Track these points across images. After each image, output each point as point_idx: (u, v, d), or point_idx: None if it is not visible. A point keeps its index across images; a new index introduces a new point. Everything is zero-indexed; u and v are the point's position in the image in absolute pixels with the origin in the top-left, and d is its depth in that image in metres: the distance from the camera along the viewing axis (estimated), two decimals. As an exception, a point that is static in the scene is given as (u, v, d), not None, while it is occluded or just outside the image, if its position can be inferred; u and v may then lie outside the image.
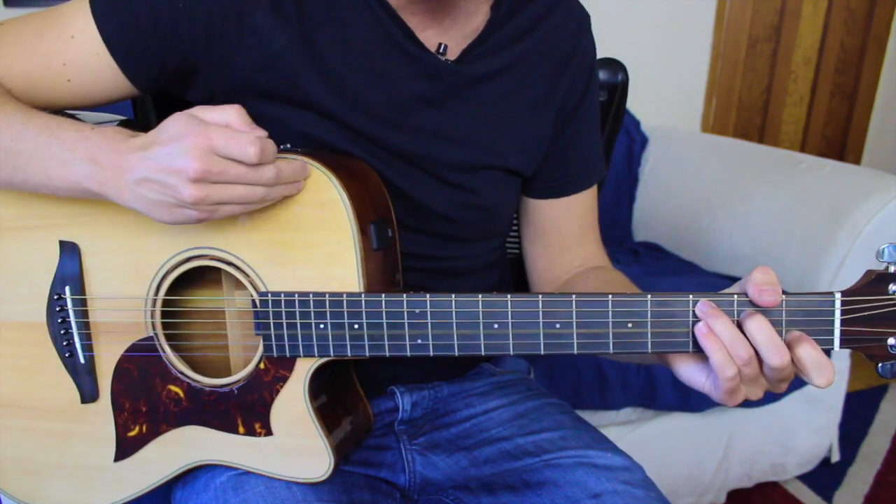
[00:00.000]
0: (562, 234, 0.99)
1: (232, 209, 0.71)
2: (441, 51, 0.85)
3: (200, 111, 0.69)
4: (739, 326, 0.68)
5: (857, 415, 2.22)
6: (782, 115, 3.02)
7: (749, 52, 2.83)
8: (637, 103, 1.53)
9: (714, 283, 1.86)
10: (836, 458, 1.97)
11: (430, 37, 0.85)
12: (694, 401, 1.67)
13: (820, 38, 2.96)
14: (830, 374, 0.68)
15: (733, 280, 1.92)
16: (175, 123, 0.68)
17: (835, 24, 2.95)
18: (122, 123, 0.89)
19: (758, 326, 0.67)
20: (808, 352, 0.67)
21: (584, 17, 0.94)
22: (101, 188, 0.72)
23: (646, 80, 1.71)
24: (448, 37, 0.85)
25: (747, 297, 0.69)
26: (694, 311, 0.70)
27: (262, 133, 0.69)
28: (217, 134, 0.67)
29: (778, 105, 2.99)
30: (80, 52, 0.79)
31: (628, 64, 1.14)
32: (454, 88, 0.86)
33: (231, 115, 0.69)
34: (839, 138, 3.18)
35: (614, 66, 1.13)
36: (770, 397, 1.75)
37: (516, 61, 0.88)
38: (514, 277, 1.10)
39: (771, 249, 1.85)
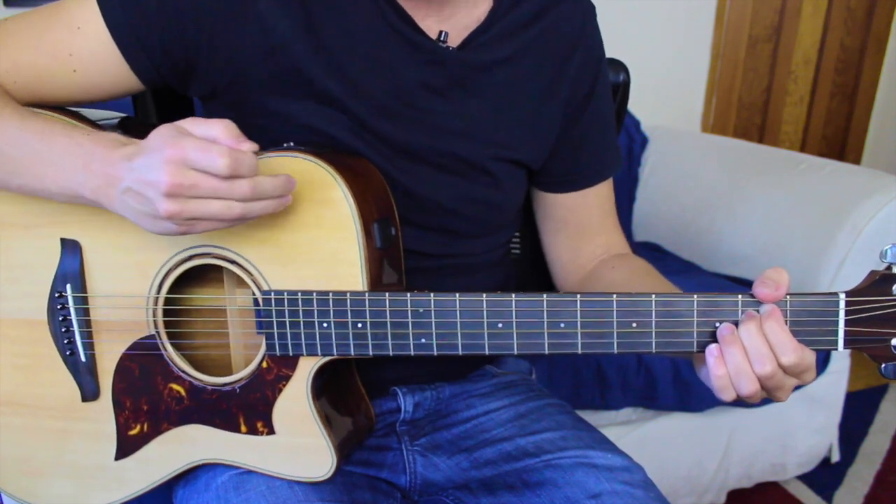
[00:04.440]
0: (582, 224, 1.00)
1: (210, 224, 0.69)
2: (442, 38, 0.84)
3: (189, 123, 0.68)
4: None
5: (857, 415, 2.22)
6: (782, 115, 3.02)
7: (749, 52, 2.83)
8: (637, 103, 1.53)
9: (714, 283, 1.86)
10: (836, 458, 1.97)
11: (430, 25, 0.85)
12: (694, 401, 1.67)
13: (820, 38, 2.96)
14: (769, 366, 0.68)
15: (733, 280, 1.92)
16: (157, 134, 0.67)
17: (835, 24, 2.95)
18: (123, 120, 0.89)
19: (751, 333, 0.68)
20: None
21: (589, 8, 0.94)
22: (94, 196, 0.72)
23: (646, 80, 1.71)
24: (449, 25, 0.85)
25: (752, 297, 0.69)
26: (714, 324, 0.70)
27: (250, 147, 0.67)
28: (191, 145, 0.65)
29: (778, 105, 2.99)
30: (85, 43, 0.79)
31: (628, 64, 1.14)
32: (457, 76, 0.85)
33: (218, 128, 0.67)
34: (839, 138, 3.18)
35: (616, 66, 1.13)
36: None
37: (520, 51, 0.88)
38: (518, 277, 1.10)
39: (771, 249, 1.85)
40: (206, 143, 0.66)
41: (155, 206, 0.67)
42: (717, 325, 0.70)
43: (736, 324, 0.70)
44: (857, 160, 3.24)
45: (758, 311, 0.70)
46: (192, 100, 1.10)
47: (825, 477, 1.96)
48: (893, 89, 3.14)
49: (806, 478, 1.95)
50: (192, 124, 0.68)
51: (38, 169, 0.75)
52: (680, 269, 1.98)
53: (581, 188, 0.97)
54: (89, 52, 0.80)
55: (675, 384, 1.64)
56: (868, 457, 2.07)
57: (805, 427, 1.85)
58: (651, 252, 2.15)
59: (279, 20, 0.79)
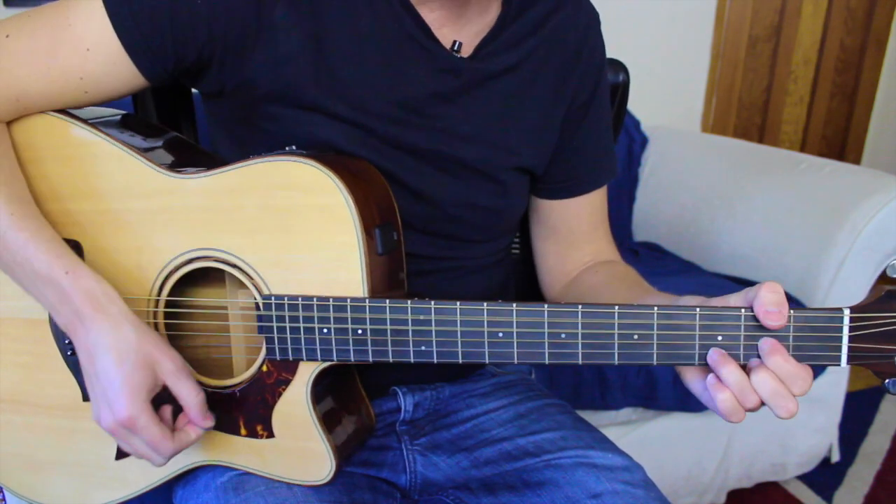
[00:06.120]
0: (573, 231, 1.00)
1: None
2: (456, 48, 0.84)
3: (174, 375, 0.75)
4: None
5: (857, 415, 2.22)
6: (782, 115, 3.02)
7: (749, 52, 2.83)
8: (637, 103, 1.53)
9: (714, 283, 1.86)
10: (836, 458, 1.97)
11: (445, 34, 0.85)
12: (694, 401, 1.64)
13: (820, 38, 2.96)
14: (792, 405, 0.68)
15: (733, 280, 1.92)
16: (137, 370, 0.74)
17: (835, 24, 2.95)
18: (124, 118, 0.89)
19: (762, 380, 0.68)
20: (777, 373, 0.68)
21: (592, 15, 0.94)
22: (64, 329, 0.78)
23: (646, 80, 1.71)
24: (463, 34, 0.85)
25: (753, 311, 0.68)
26: (716, 337, 0.70)
27: (203, 425, 0.77)
28: (143, 420, 0.73)
29: (778, 105, 2.99)
30: (97, 64, 0.79)
31: (628, 64, 1.14)
32: (468, 85, 0.85)
33: (192, 400, 0.76)
34: (839, 138, 3.18)
35: (615, 66, 1.13)
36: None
37: (527, 57, 0.88)
38: (518, 277, 1.10)
39: (771, 249, 1.85)
40: (157, 427, 0.74)
41: (101, 412, 0.75)
42: (719, 338, 0.69)
43: (738, 335, 0.69)
44: (857, 160, 3.24)
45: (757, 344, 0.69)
46: (192, 99, 1.10)
47: (825, 477, 1.97)
48: (893, 89, 3.14)
49: (806, 478, 1.96)
50: (175, 375, 0.76)
51: (13, 272, 0.79)
52: (680, 269, 1.98)
53: (575, 195, 0.97)
54: (102, 72, 0.79)
55: (675, 384, 1.64)
56: (868, 457, 2.07)
57: (805, 427, 1.85)
58: (651, 252, 2.15)
59: (290, 32, 0.79)
